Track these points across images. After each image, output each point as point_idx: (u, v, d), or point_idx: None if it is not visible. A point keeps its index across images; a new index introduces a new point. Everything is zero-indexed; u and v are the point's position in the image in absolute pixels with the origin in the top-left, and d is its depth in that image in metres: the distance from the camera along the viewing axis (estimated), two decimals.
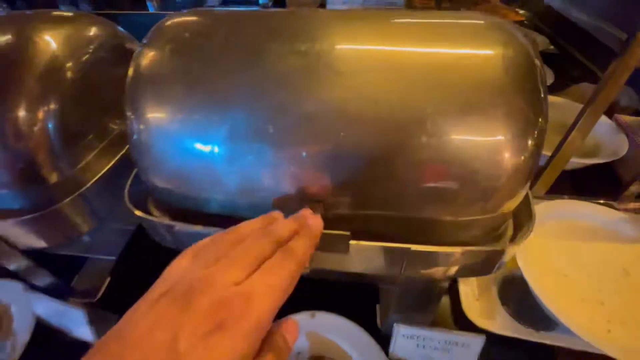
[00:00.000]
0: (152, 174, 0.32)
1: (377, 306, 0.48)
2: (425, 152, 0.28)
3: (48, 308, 0.44)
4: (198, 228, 0.31)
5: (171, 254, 0.23)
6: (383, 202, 0.30)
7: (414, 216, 0.31)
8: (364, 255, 0.31)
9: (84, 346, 0.45)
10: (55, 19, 0.41)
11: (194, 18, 0.34)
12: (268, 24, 0.33)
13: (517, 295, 0.47)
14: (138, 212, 0.33)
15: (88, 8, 1.61)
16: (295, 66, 0.30)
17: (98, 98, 0.42)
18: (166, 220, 0.33)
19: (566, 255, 0.47)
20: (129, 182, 0.36)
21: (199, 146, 0.30)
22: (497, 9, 1.12)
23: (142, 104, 0.31)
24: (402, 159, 0.28)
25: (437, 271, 0.32)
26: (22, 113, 0.34)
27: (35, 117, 0.34)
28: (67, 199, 0.37)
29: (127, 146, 0.42)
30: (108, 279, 0.52)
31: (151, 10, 1.55)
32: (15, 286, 0.48)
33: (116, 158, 0.42)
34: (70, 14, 0.44)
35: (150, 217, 0.33)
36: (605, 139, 0.67)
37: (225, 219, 0.30)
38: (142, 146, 0.31)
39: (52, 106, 0.35)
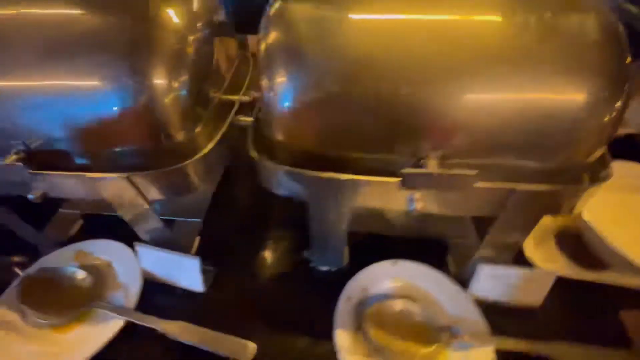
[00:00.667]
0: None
1: (449, 257, 0.54)
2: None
3: (158, 260, 0.49)
4: (328, 175, 0.37)
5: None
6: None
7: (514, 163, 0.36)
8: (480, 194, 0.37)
9: (193, 296, 0.50)
10: None
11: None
12: None
13: (573, 243, 0.53)
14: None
15: None
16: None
17: (207, 69, 0.46)
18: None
19: (624, 206, 0.53)
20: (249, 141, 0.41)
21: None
22: None
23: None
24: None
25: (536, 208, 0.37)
26: (161, 81, 0.38)
27: (171, 85, 0.38)
28: (193, 159, 0.41)
29: (230, 115, 0.48)
30: (198, 238, 0.57)
31: None
32: (116, 245, 0.54)
33: (225, 124, 0.46)
34: None
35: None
36: None
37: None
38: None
39: (183, 77, 0.39)
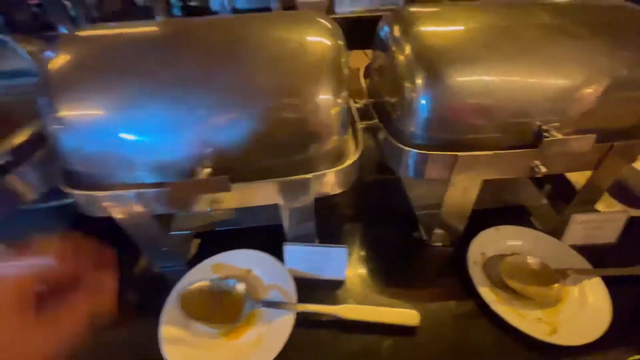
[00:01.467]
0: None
1: (532, 218, 0.65)
2: None
3: (305, 255, 0.54)
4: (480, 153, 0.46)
5: None
6: None
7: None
8: None
9: (335, 285, 0.55)
10: (309, 20, 0.50)
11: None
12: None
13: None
14: None
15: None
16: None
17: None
18: None
19: None
20: None
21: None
22: None
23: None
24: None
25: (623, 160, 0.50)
26: (328, 97, 0.44)
27: (336, 101, 0.44)
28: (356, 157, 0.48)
29: (357, 120, 0.54)
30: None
31: None
32: (250, 252, 0.57)
33: (358, 127, 0.53)
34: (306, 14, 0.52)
35: None
36: None
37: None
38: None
39: (344, 93, 0.45)
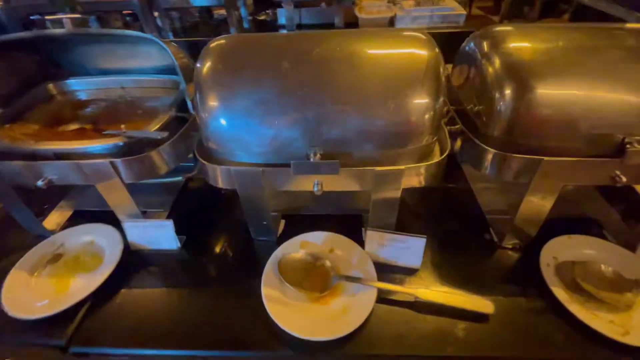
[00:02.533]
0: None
1: (605, 231, 0.66)
2: None
3: (383, 241, 0.60)
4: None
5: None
6: None
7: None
8: None
9: (412, 272, 0.61)
10: (410, 35, 0.57)
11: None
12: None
13: None
14: None
15: (169, 35, 1.79)
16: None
17: None
18: None
19: None
20: None
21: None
22: None
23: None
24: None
25: None
26: (428, 101, 0.50)
27: (434, 105, 0.51)
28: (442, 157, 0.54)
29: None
30: None
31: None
32: (333, 235, 0.64)
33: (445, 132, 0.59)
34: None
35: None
36: None
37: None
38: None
39: (441, 98, 0.52)
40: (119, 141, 0.56)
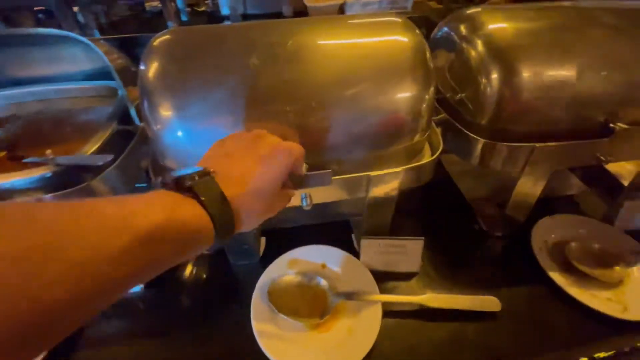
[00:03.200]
0: None
1: (582, 207, 0.68)
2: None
3: (381, 248, 0.55)
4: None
5: None
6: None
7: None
8: None
9: (411, 277, 0.57)
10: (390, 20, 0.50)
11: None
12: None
13: None
14: None
15: (95, 33, 1.57)
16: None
17: None
18: None
19: None
20: None
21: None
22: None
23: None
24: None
25: None
26: (419, 92, 0.45)
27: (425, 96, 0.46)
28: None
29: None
30: None
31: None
32: (323, 248, 0.58)
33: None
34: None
35: None
36: None
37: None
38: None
39: (432, 89, 0.47)
40: (45, 172, 0.44)
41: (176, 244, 0.26)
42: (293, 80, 0.43)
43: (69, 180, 0.46)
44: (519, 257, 0.59)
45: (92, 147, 0.48)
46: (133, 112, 0.55)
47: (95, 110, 0.59)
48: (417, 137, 0.47)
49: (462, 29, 0.54)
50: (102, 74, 0.63)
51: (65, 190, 0.44)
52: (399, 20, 0.50)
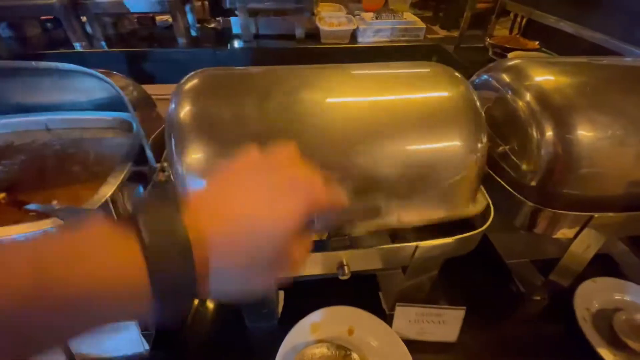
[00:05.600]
0: None
1: (621, 268, 0.64)
2: None
3: (416, 316, 0.50)
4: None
5: None
6: None
7: None
8: None
9: (447, 347, 0.51)
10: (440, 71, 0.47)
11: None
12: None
13: None
14: None
15: (103, 44, 1.53)
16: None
17: None
18: None
19: None
20: None
21: None
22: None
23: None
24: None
25: None
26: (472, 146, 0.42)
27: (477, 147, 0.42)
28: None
29: None
30: None
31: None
32: (349, 309, 0.52)
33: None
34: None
35: None
36: None
37: None
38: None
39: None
40: (49, 227, 0.39)
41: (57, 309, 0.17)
42: (331, 131, 0.39)
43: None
44: (561, 326, 0.54)
45: (103, 196, 0.42)
46: (149, 154, 0.50)
47: (106, 145, 0.54)
48: (469, 197, 0.43)
49: (508, 78, 0.51)
50: (112, 104, 0.58)
51: None
52: (442, 67, 0.46)
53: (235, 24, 1.67)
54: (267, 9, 1.59)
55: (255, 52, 1.62)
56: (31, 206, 0.42)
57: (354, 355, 0.46)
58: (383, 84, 0.43)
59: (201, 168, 0.38)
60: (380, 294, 0.57)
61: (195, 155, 0.38)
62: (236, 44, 1.65)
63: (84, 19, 1.50)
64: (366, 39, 1.67)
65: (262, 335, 0.52)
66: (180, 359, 0.50)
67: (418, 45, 1.65)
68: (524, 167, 0.48)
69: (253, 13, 1.62)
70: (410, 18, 1.69)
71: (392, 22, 1.65)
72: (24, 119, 0.57)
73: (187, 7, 1.67)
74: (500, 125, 0.52)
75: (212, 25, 1.82)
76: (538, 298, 0.59)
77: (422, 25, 1.66)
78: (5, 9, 1.37)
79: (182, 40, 1.61)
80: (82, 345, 0.46)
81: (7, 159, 0.52)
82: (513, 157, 0.50)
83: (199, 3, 1.86)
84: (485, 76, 0.57)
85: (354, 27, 1.64)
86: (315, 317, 0.52)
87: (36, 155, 0.53)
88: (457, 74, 0.46)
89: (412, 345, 0.49)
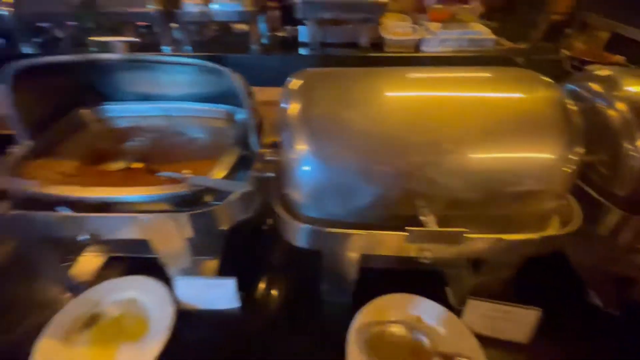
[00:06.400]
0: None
1: None
2: None
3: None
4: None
5: None
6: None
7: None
8: None
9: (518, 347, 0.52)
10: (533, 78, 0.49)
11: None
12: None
13: None
14: None
15: (189, 49, 1.71)
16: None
17: None
18: None
19: None
20: None
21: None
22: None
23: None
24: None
25: None
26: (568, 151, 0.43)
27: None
28: None
29: None
30: None
31: None
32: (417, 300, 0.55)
33: None
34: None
35: None
36: None
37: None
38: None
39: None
40: (182, 190, 0.47)
41: None
42: (434, 130, 0.43)
43: (194, 199, 0.49)
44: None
45: (222, 171, 0.50)
46: (254, 139, 0.57)
47: (215, 132, 0.63)
48: (559, 200, 0.44)
49: (600, 88, 0.51)
50: (216, 97, 0.67)
51: (198, 210, 0.47)
52: (538, 75, 0.48)
53: (303, 32, 1.78)
54: (337, 19, 1.68)
55: (321, 59, 1.71)
56: (164, 173, 0.51)
57: (425, 340, 0.49)
58: (476, 87, 0.47)
59: (306, 158, 0.43)
60: (447, 289, 0.59)
61: (301, 146, 0.44)
62: (303, 51, 1.76)
63: (174, 25, 1.70)
64: (431, 49, 1.68)
65: (336, 309, 0.57)
66: (263, 319, 0.56)
67: (485, 56, 1.63)
68: (612, 175, 0.48)
69: (322, 23, 1.72)
70: (479, 29, 1.67)
71: (460, 32, 1.65)
72: (147, 105, 0.69)
73: (262, 18, 1.81)
74: (589, 135, 0.52)
75: (282, 33, 1.95)
76: (614, 313, 0.57)
77: (491, 36, 1.64)
78: (111, 14, 1.60)
79: (255, 47, 1.75)
80: (187, 296, 0.55)
81: (137, 137, 0.63)
82: (600, 167, 0.50)
83: (274, 13, 2.01)
84: (571, 85, 0.57)
85: (420, 36, 1.66)
86: (386, 301, 0.55)
87: (159, 135, 0.64)
88: (549, 80, 0.48)
89: (480, 340, 0.51)
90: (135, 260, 0.62)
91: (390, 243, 0.44)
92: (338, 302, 0.58)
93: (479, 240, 0.43)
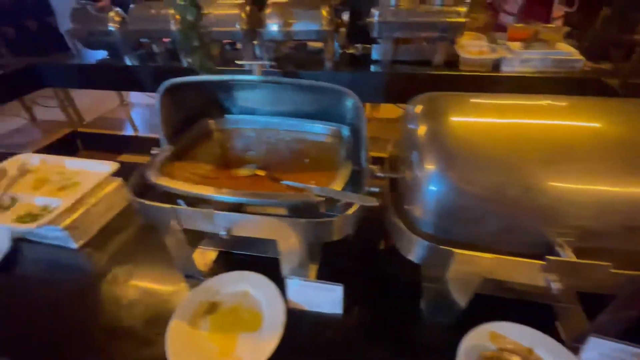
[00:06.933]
0: None
1: None
2: None
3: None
4: None
5: None
6: None
7: None
8: None
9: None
10: None
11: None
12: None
13: None
14: None
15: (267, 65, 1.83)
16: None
17: None
18: None
19: None
20: None
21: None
22: None
23: None
24: None
25: None
26: None
27: None
28: None
29: None
30: None
31: None
32: (528, 330, 0.53)
33: None
34: None
35: None
36: None
37: None
38: None
39: None
40: (308, 198, 0.51)
41: None
42: (565, 159, 0.43)
43: (310, 208, 0.53)
44: None
45: (340, 183, 0.54)
46: (363, 155, 0.61)
47: (323, 147, 0.68)
48: None
49: None
50: (323, 114, 0.72)
51: (322, 219, 0.50)
52: None
53: (376, 50, 1.82)
54: (412, 37, 1.70)
55: (392, 76, 1.74)
56: (288, 182, 0.56)
57: None
58: (611, 117, 0.46)
59: (434, 177, 0.45)
60: (558, 323, 0.57)
61: (430, 166, 0.46)
62: (374, 68, 1.80)
63: (255, 42, 1.84)
64: (511, 68, 1.62)
65: (438, 331, 0.57)
66: (364, 328, 0.59)
67: (573, 77, 1.53)
68: None
69: (396, 41, 1.75)
70: (566, 49, 1.59)
71: (544, 52, 1.58)
72: (262, 118, 0.76)
73: (335, 36, 1.90)
74: None
75: (351, 51, 2.01)
76: None
77: (579, 57, 1.55)
78: (216, 33, 1.77)
79: (329, 64, 1.83)
80: (296, 295, 0.59)
81: (254, 147, 0.70)
82: None
83: (342, 31, 2.10)
84: None
85: (499, 55, 1.62)
86: (496, 327, 0.54)
87: (273, 146, 0.70)
88: None
89: None
90: (239, 256, 0.69)
91: (522, 270, 0.44)
92: (439, 323, 0.58)
93: (621, 276, 0.41)
